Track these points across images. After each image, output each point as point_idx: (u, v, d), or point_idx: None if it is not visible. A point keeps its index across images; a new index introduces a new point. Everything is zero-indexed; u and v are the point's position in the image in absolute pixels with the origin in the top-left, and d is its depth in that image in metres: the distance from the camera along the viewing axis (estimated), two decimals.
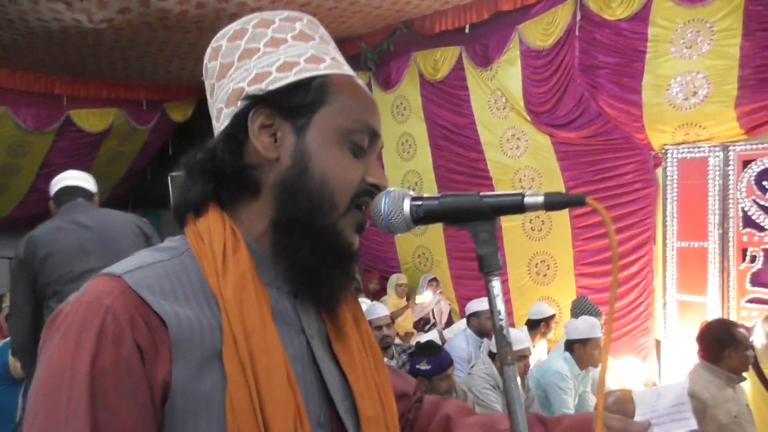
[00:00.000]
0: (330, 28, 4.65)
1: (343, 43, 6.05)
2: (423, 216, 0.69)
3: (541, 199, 0.64)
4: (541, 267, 5.18)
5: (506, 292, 5.36)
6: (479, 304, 4.08)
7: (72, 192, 2.77)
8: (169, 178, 8.08)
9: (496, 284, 0.66)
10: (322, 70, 0.73)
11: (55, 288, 2.58)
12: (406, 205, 0.69)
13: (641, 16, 4.15)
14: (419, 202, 0.69)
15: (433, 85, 5.60)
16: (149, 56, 6.10)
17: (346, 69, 0.78)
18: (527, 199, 0.64)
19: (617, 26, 4.29)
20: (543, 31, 4.71)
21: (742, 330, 2.73)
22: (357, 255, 0.74)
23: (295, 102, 0.71)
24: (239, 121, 0.72)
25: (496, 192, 0.67)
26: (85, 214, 2.71)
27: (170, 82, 7.35)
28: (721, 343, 2.64)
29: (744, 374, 2.68)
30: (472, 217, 0.67)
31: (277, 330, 0.67)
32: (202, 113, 8.37)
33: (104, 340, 0.59)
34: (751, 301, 4.03)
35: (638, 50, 4.21)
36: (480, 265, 0.66)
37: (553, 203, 0.64)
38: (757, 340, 3.31)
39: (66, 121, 7.09)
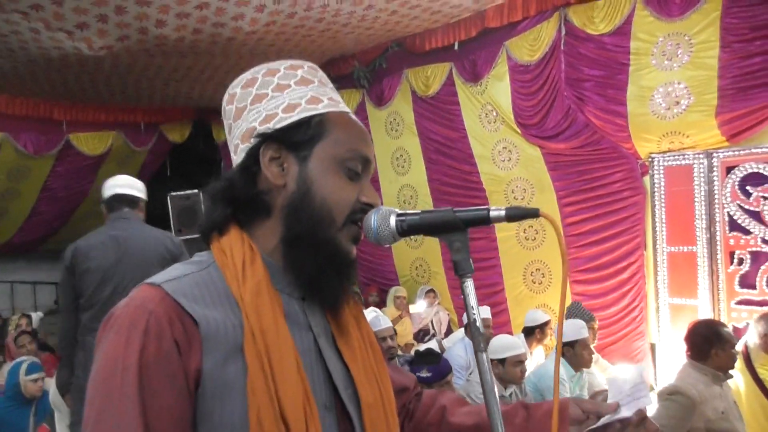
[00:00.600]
0: (323, 48, 4.79)
1: (337, 62, 6.21)
2: (407, 229, 0.81)
3: (503, 212, 0.76)
4: (537, 275, 5.29)
5: (503, 302, 5.47)
6: None
7: (120, 200, 2.98)
8: (168, 198, 8.22)
9: (469, 284, 0.78)
10: (320, 109, 0.86)
11: (89, 302, 2.82)
12: (392, 220, 0.81)
13: (623, 31, 4.30)
14: (403, 218, 0.81)
15: (425, 100, 5.74)
16: (146, 80, 6.24)
17: (342, 107, 0.90)
18: (492, 213, 0.77)
19: (600, 40, 4.44)
20: (529, 46, 4.87)
21: (728, 329, 2.82)
22: (355, 262, 0.86)
23: (297, 137, 0.84)
24: (252, 155, 0.85)
25: (468, 208, 0.79)
26: (126, 230, 2.91)
27: (167, 104, 7.50)
28: (708, 342, 2.73)
29: (731, 372, 2.77)
30: (447, 229, 0.80)
31: (288, 328, 0.79)
32: (198, 134, 8.51)
33: (149, 337, 0.72)
34: (740, 303, 4.14)
35: (621, 63, 4.36)
36: (455, 269, 0.78)
37: (512, 216, 0.77)
38: (750, 340, 3.39)
39: (65, 145, 7.22)
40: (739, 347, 3.40)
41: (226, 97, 0.91)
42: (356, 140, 0.87)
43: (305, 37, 5.22)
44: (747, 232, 4.08)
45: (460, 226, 0.79)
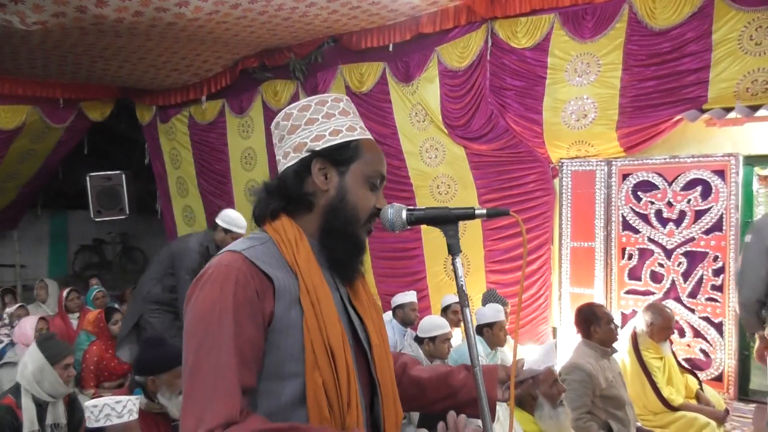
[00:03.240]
0: (261, 39, 5.05)
1: (272, 52, 6.33)
2: (414, 220, 1.14)
3: (484, 211, 1.09)
4: None
5: (425, 288, 5.87)
6: (404, 298, 4.55)
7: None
8: (87, 178, 7.96)
9: (458, 260, 1.11)
10: (355, 136, 1.18)
11: None
12: (404, 214, 1.14)
13: (542, 47, 4.79)
14: (412, 212, 1.14)
15: (358, 96, 6.00)
16: (73, 56, 6.06)
17: (368, 134, 1.22)
18: (476, 212, 1.09)
19: (522, 54, 4.91)
20: (459, 54, 5.27)
21: (604, 309, 3.34)
22: (365, 249, 1.19)
23: (340, 156, 1.15)
24: (303, 164, 1.15)
25: (459, 207, 1.10)
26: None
27: (91, 81, 7.26)
28: (587, 321, 3.25)
29: (614, 346, 3.29)
30: (444, 222, 1.12)
31: None
32: (120, 113, 8.28)
33: (238, 286, 1.00)
34: (628, 292, 4.79)
35: (539, 76, 4.85)
36: (449, 249, 1.10)
37: (490, 214, 1.10)
38: (638, 326, 3.90)
39: None
40: (627, 331, 3.98)
41: (282, 114, 1.20)
42: (379, 163, 1.19)
43: (245, 27, 5.33)
44: (636, 231, 4.72)
45: (453, 220, 1.11)
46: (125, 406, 2.20)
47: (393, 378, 1.20)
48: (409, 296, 4.62)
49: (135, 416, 2.24)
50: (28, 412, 2.85)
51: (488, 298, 4.72)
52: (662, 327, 3.76)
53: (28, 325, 3.94)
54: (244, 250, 1.06)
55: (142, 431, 2.60)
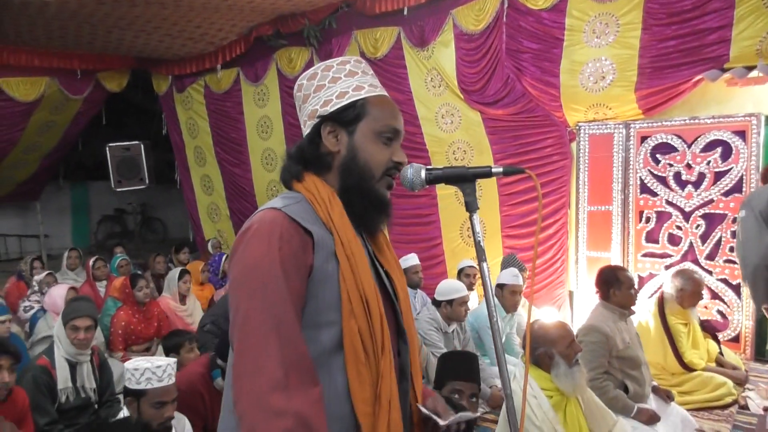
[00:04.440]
0: (275, 6, 5.01)
1: (286, 19, 6.29)
2: (432, 179, 1.18)
3: (501, 169, 1.12)
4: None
5: (440, 254, 5.93)
6: (405, 262, 4.64)
7: None
8: (107, 148, 8.07)
9: (475, 218, 1.14)
10: (362, 94, 1.21)
11: None
12: (423, 173, 1.17)
13: (560, 8, 4.70)
14: (431, 171, 1.17)
15: (373, 62, 5.95)
16: (89, 26, 6.09)
17: (379, 90, 1.24)
18: (493, 170, 1.12)
19: (539, 15, 4.82)
20: (474, 16, 5.19)
21: (626, 273, 3.32)
22: (389, 202, 1.22)
23: (347, 117, 1.19)
24: (316, 130, 1.20)
25: (476, 166, 1.13)
26: None
27: (107, 51, 7.29)
28: (607, 284, 3.25)
29: (633, 308, 3.31)
30: (462, 180, 1.16)
31: None
32: (136, 84, 8.32)
33: (283, 241, 1.06)
34: (645, 255, 4.79)
35: (557, 38, 4.77)
36: (466, 207, 1.14)
37: (507, 172, 1.13)
38: (667, 291, 3.90)
39: None
40: (641, 293, 3.99)
41: (296, 85, 1.26)
42: (388, 117, 1.22)
43: None
44: (654, 194, 4.70)
45: (470, 178, 1.14)
46: (165, 371, 2.30)
47: (415, 329, 1.26)
48: (410, 260, 4.67)
49: (173, 380, 2.34)
50: (61, 371, 2.99)
51: (508, 262, 4.76)
52: (692, 293, 3.76)
53: (57, 294, 4.08)
54: (283, 207, 1.12)
55: (214, 406, 2.70)
